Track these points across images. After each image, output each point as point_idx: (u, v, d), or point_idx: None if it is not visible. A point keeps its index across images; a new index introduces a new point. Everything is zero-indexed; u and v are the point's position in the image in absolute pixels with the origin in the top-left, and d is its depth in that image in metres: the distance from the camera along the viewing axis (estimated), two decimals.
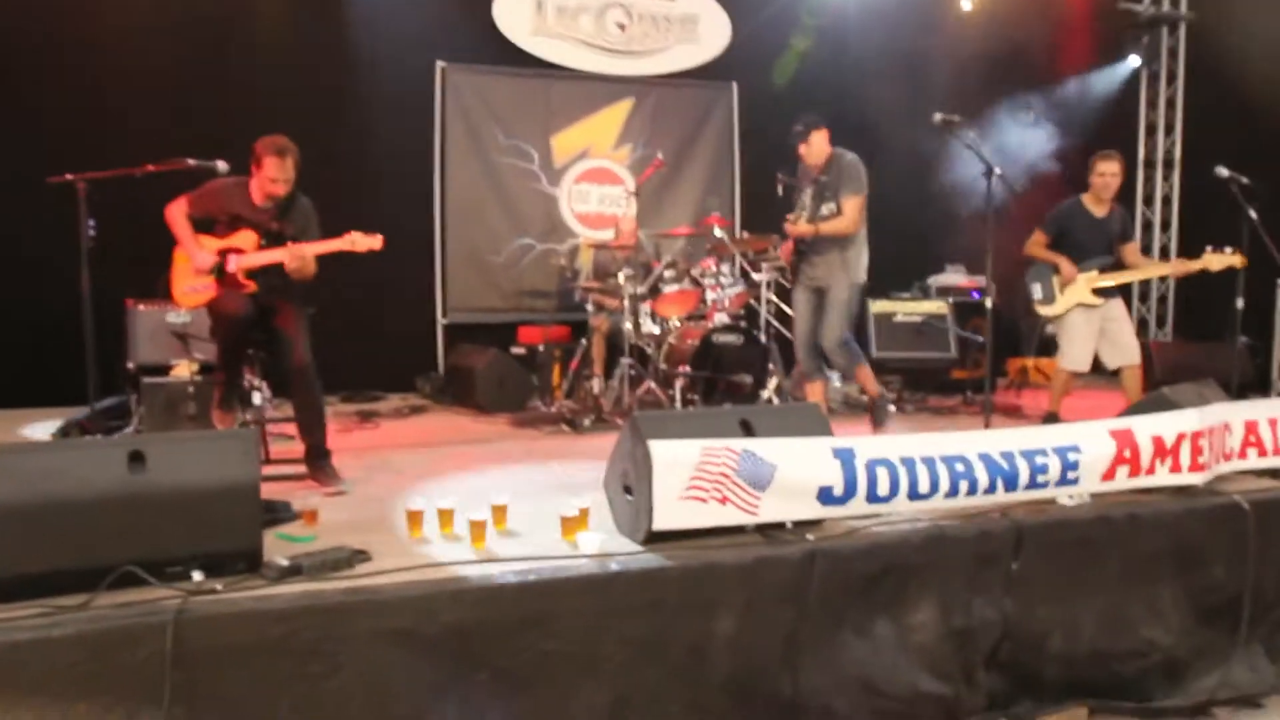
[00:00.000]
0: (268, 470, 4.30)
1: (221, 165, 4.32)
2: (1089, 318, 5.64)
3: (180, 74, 6.64)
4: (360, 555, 2.91)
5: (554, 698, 2.72)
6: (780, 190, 6.75)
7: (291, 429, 4.48)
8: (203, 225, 4.35)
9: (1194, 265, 5.33)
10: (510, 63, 7.71)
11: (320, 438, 4.26)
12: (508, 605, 2.68)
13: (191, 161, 4.30)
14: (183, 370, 5.24)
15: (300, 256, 4.20)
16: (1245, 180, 4.97)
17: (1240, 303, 5.08)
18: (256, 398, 4.59)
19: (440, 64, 7.53)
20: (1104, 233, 5.66)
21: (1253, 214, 4.91)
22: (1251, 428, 3.86)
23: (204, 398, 4.53)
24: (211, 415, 4.45)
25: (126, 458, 2.63)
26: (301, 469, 4.27)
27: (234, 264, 4.28)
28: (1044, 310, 5.77)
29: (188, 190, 4.38)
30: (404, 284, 7.39)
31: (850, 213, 5.33)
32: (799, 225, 5.45)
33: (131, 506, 2.58)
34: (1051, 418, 5.60)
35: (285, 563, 2.72)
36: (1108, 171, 5.63)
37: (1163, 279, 9.39)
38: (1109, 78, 9.36)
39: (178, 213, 4.33)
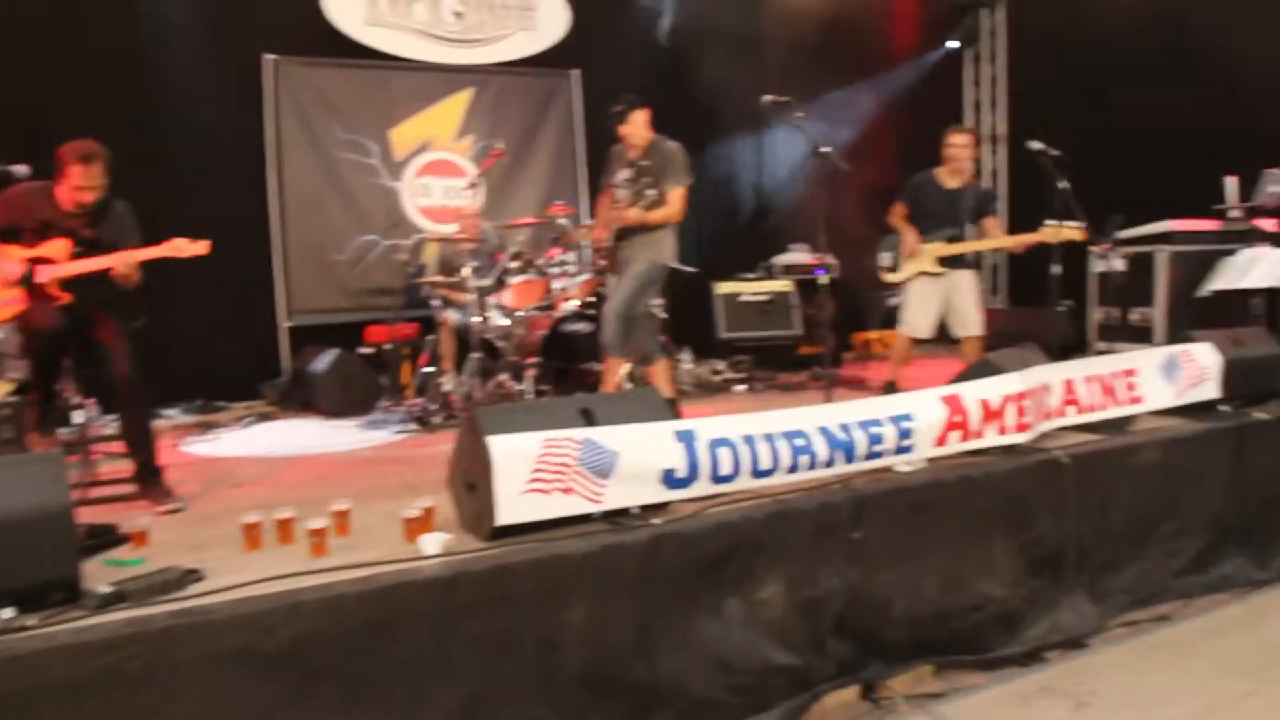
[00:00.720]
0: (96, 492, 4.11)
1: (20, 169, 4.03)
2: (931, 286, 5.84)
3: None
4: (192, 575, 2.80)
5: (405, 703, 2.66)
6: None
7: (120, 448, 4.25)
8: (9, 234, 4.05)
9: (1033, 238, 5.55)
10: (344, 54, 7.47)
11: (149, 454, 4.05)
12: (349, 614, 2.61)
13: None
14: None
15: (121, 264, 3.98)
16: (1056, 153, 5.24)
17: (1057, 270, 5.37)
18: (79, 415, 4.32)
19: (269, 57, 7.24)
20: (955, 205, 5.81)
21: (1063, 185, 5.18)
22: (1069, 387, 4.09)
23: (19, 420, 4.23)
24: (27, 438, 4.17)
25: None
26: (133, 489, 4.06)
27: (45, 275, 4.01)
28: (888, 277, 5.98)
29: None
30: (243, 287, 7.10)
31: (676, 202, 5.25)
32: (629, 213, 5.22)
33: None
34: (890, 387, 5.80)
35: (107, 589, 2.59)
36: (955, 143, 5.83)
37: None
38: (933, 58, 9.74)
39: None
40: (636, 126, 5.30)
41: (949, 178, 5.88)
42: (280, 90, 7.29)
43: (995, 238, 5.88)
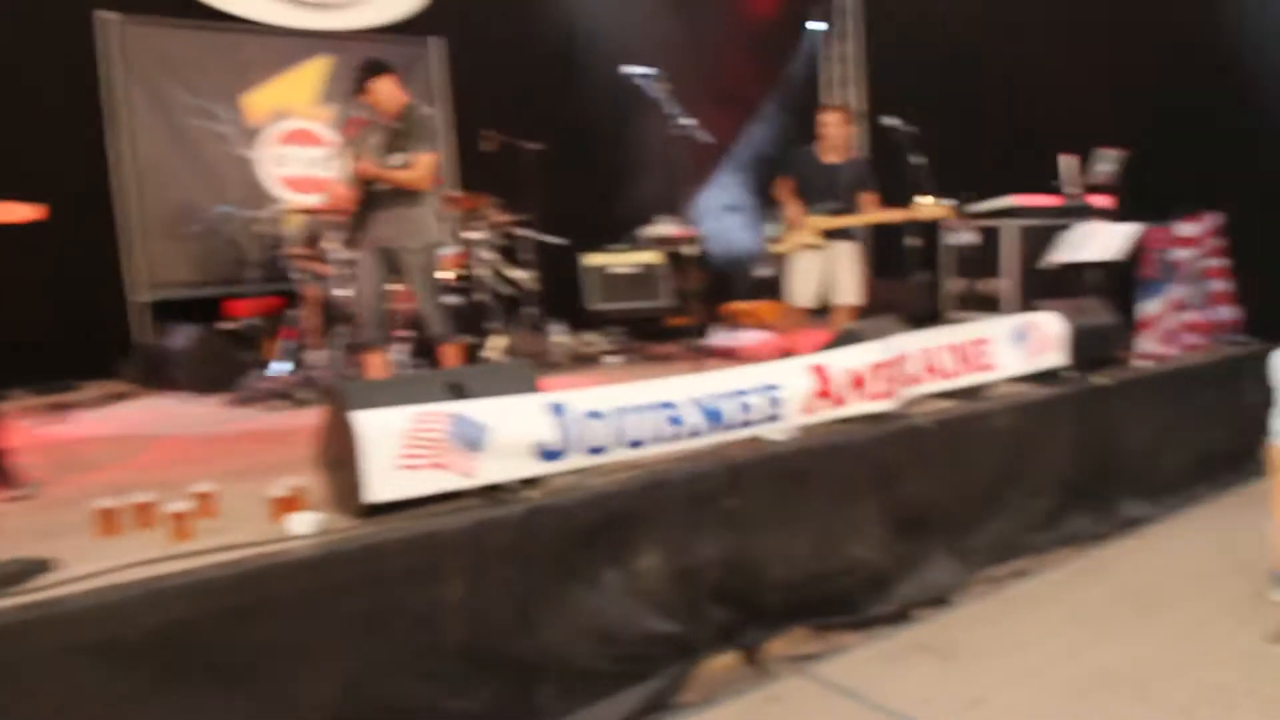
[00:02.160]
0: None
1: None
2: (813, 259, 5.94)
3: None
4: (43, 565, 2.65)
5: (278, 689, 2.59)
6: (486, 146, 6.71)
7: None
8: None
9: (906, 214, 5.70)
10: (191, 15, 7.10)
11: None
12: (215, 599, 2.51)
13: None
14: None
15: None
16: (911, 129, 5.42)
17: (915, 242, 5.58)
18: None
19: (105, 14, 6.81)
20: (834, 179, 5.89)
21: (917, 160, 5.37)
22: (928, 354, 4.26)
23: None
24: None
25: None
26: None
27: None
28: (773, 249, 6.09)
29: None
30: (94, 262, 6.72)
31: (424, 168, 5.03)
32: (366, 165, 4.98)
33: None
34: (787, 354, 5.90)
35: None
36: (826, 121, 5.93)
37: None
38: (794, 37, 9.92)
39: None
40: (383, 94, 5.06)
41: (826, 153, 5.99)
42: (115, 51, 6.85)
43: (872, 212, 6.03)
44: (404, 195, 5.02)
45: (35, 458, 4.25)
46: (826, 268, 5.97)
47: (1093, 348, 4.83)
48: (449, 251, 6.15)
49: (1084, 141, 6.85)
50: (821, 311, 6.03)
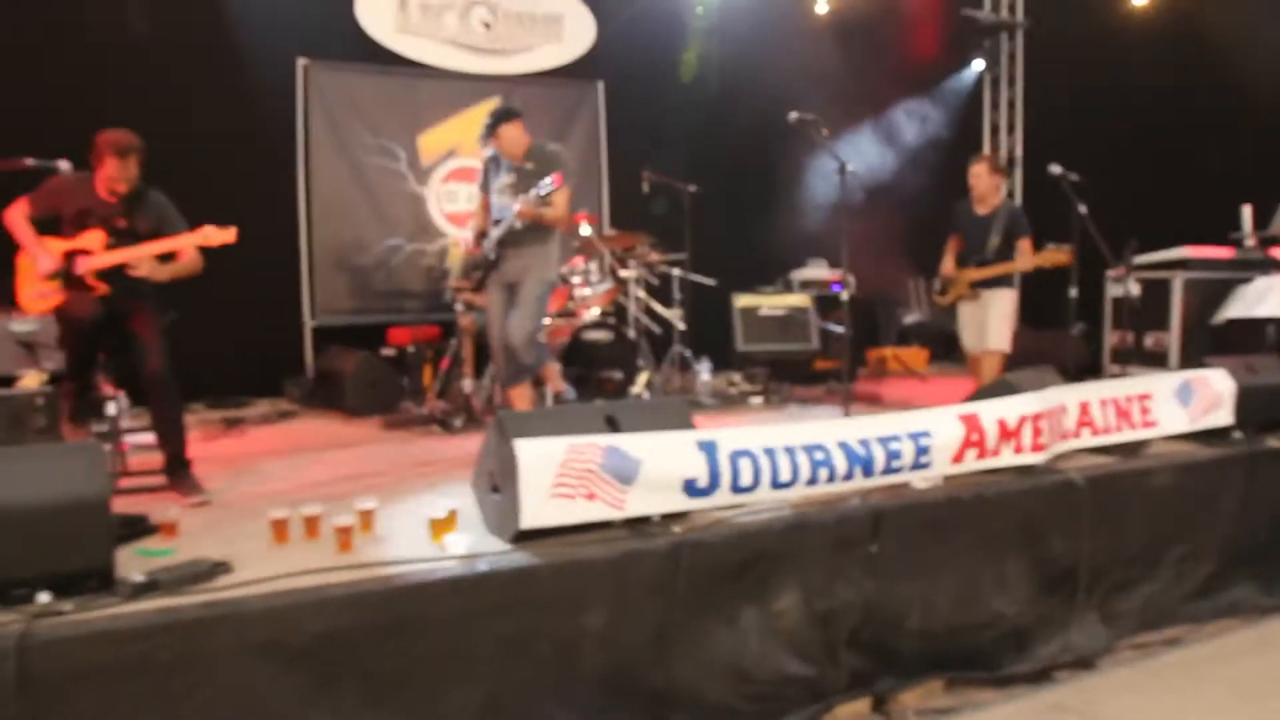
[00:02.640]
0: (126, 483, 4.18)
1: (63, 164, 4.13)
2: (972, 309, 6.04)
3: (27, 68, 6.31)
4: (221, 567, 2.85)
5: (426, 701, 2.71)
6: (645, 188, 6.87)
7: (151, 439, 4.32)
8: (48, 226, 4.14)
9: (1027, 263, 5.74)
10: (375, 60, 7.58)
11: (179, 447, 4.12)
12: (374, 610, 2.66)
13: (30, 160, 4.10)
14: (30, 381, 4.98)
15: (150, 257, 4.06)
16: (1075, 177, 5.30)
17: (1074, 293, 5.43)
18: (111, 407, 4.40)
19: (302, 61, 7.35)
20: (988, 230, 5.95)
21: (1082, 209, 5.24)
22: (1084, 409, 4.12)
23: (54, 410, 4.31)
24: (62, 428, 4.25)
25: None
26: (162, 480, 4.14)
27: (82, 266, 4.09)
28: (938, 300, 6.22)
29: (26, 191, 4.16)
30: (270, 287, 7.20)
31: (563, 205, 5.10)
32: (523, 205, 4.94)
33: None
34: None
35: (140, 579, 2.64)
36: (972, 173, 6.02)
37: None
38: (956, 81, 9.82)
39: (18, 215, 4.11)
40: (507, 139, 5.18)
41: (977, 205, 6.05)
42: (311, 94, 7.40)
43: (1026, 258, 5.97)
44: (537, 232, 5.12)
45: (212, 468, 4.58)
46: (981, 316, 5.94)
47: (1266, 408, 4.57)
48: (604, 286, 6.32)
49: (1267, 192, 6.51)
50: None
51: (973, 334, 6.08)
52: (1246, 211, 6.50)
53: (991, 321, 5.95)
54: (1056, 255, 5.56)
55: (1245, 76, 7.16)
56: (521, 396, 5.25)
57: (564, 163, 5.20)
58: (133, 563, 2.88)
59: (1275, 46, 7.03)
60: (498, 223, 5.15)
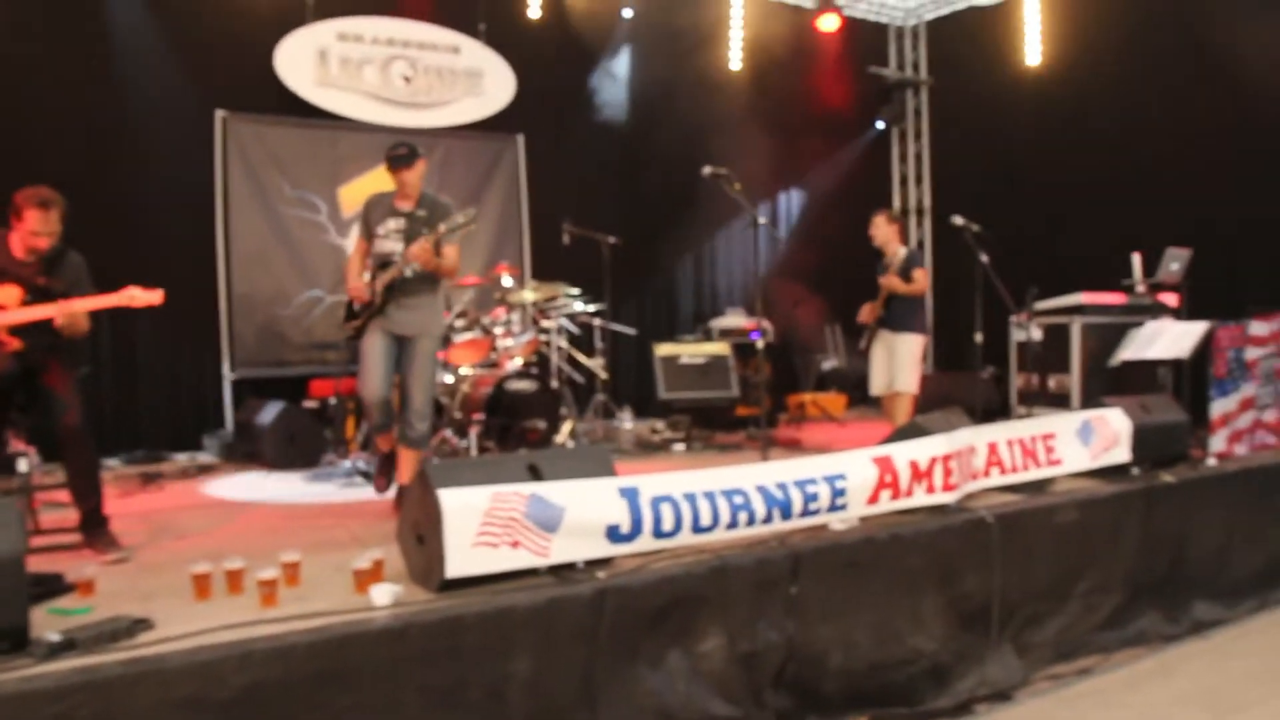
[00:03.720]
0: (38, 541, 4.08)
1: None
2: (877, 349, 6.32)
3: None
4: (142, 624, 2.82)
5: None
6: (566, 238, 6.99)
7: (64, 496, 4.23)
8: None
9: (892, 284, 6.10)
10: (294, 113, 7.59)
11: (96, 503, 4.05)
12: (300, 663, 2.65)
13: None
14: None
15: (69, 313, 4.01)
16: (977, 228, 5.57)
17: (979, 337, 5.68)
18: (23, 464, 4.30)
19: (221, 113, 7.33)
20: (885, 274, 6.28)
21: (984, 258, 5.50)
22: (993, 449, 4.29)
23: None
24: None
25: None
26: (77, 538, 4.05)
27: None
28: (862, 348, 6.50)
29: None
30: (188, 338, 7.13)
31: (454, 258, 4.91)
32: (419, 249, 4.69)
33: None
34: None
35: (56, 638, 2.60)
36: (872, 224, 6.40)
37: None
38: (864, 135, 10.23)
39: None
40: (409, 180, 4.90)
41: (886, 258, 6.38)
42: (230, 145, 7.36)
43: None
44: (427, 283, 4.90)
45: (130, 524, 4.49)
46: (890, 359, 6.19)
47: (1160, 445, 4.81)
48: (526, 337, 6.38)
49: (1155, 240, 6.91)
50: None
51: (880, 376, 6.33)
52: (1136, 259, 6.88)
53: (900, 365, 6.22)
54: (891, 282, 6.01)
55: (1130, 131, 7.62)
56: (411, 458, 4.91)
57: (453, 215, 4.96)
58: (48, 622, 2.83)
59: (1155, 103, 7.50)
60: (384, 266, 4.87)
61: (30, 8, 6.56)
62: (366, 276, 4.95)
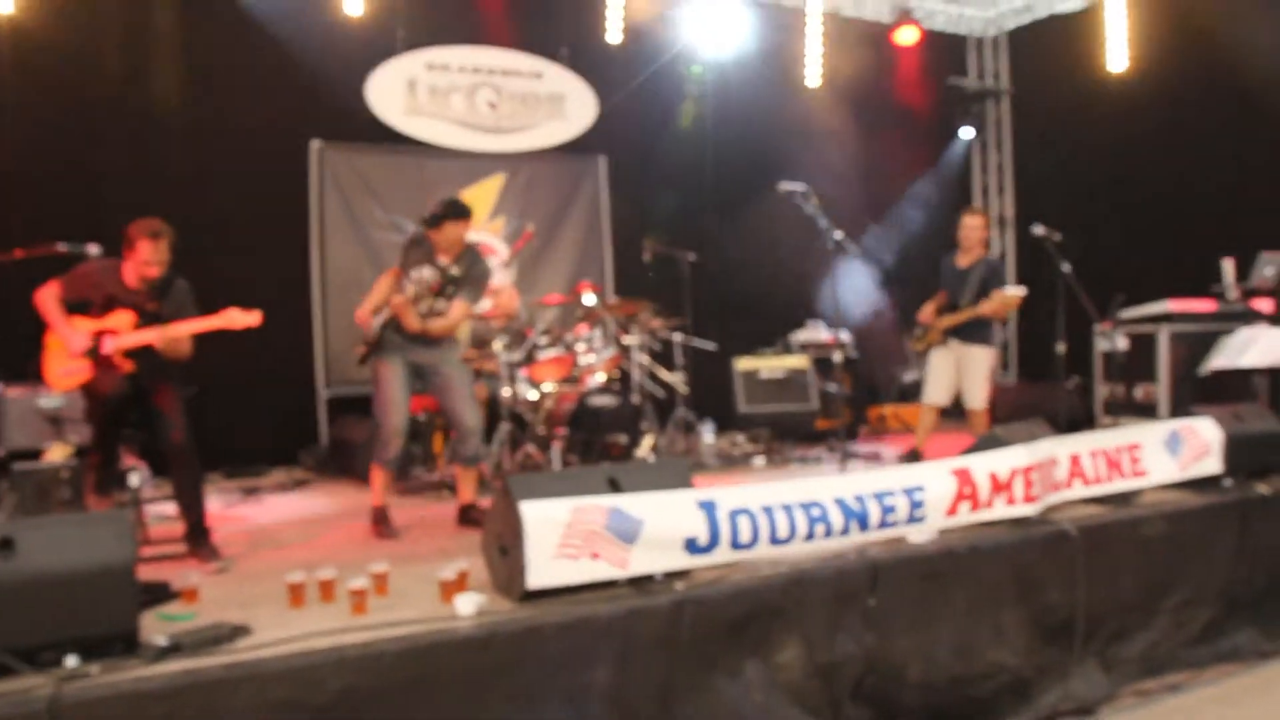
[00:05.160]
0: (147, 551, 4.32)
1: (92, 249, 4.35)
2: (944, 357, 6.22)
3: (50, 156, 6.59)
4: (241, 630, 2.97)
5: None
6: (647, 256, 7.08)
7: (171, 508, 4.47)
8: (77, 308, 4.36)
9: (984, 308, 5.96)
10: (385, 141, 7.85)
11: (199, 516, 4.28)
12: (389, 669, 2.77)
13: (62, 246, 4.32)
14: (56, 454, 5.16)
15: (171, 337, 4.25)
16: (1058, 237, 5.50)
17: (1061, 347, 5.60)
18: (134, 478, 4.56)
19: (316, 143, 7.63)
20: (966, 281, 6.17)
21: (1066, 267, 5.43)
22: (1075, 460, 4.23)
23: (78, 482, 4.48)
24: (86, 499, 4.41)
25: None
26: (182, 548, 4.28)
27: (109, 345, 4.29)
28: (913, 346, 6.43)
29: (58, 275, 4.38)
30: (284, 359, 7.38)
31: (461, 317, 5.00)
32: (401, 308, 4.79)
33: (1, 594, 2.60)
34: (913, 455, 6.01)
35: (163, 642, 2.76)
36: (967, 224, 6.27)
37: (1004, 324, 10.16)
38: (947, 147, 10.13)
39: (49, 297, 4.32)
40: (448, 236, 4.92)
41: (961, 257, 6.26)
42: (325, 174, 7.66)
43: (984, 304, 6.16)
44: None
45: (231, 535, 4.72)
46: (957, 368, 6.16)
47: (1255, 455, 4.68)
48: (608, 353, 6.49)
49: (1247, 245, 6.71)
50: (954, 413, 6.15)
51: (944, 387, 6.23)
52: (1228, 265, 6.69)
53: (974, 379, 6.14)
54: (1006, 300, 5.86)
55: (1218, 134, 7.41)
56: (470, 477, 5.11)
57: (486, 280, 5.07)
58: (156, 627, 3.00)
59: (1244, 106, 7.28)
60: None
61: (135, 45, 6.91)
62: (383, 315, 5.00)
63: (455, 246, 4.96)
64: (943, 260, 6.40)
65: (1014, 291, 5.91)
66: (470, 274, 4.95)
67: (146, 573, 3.67)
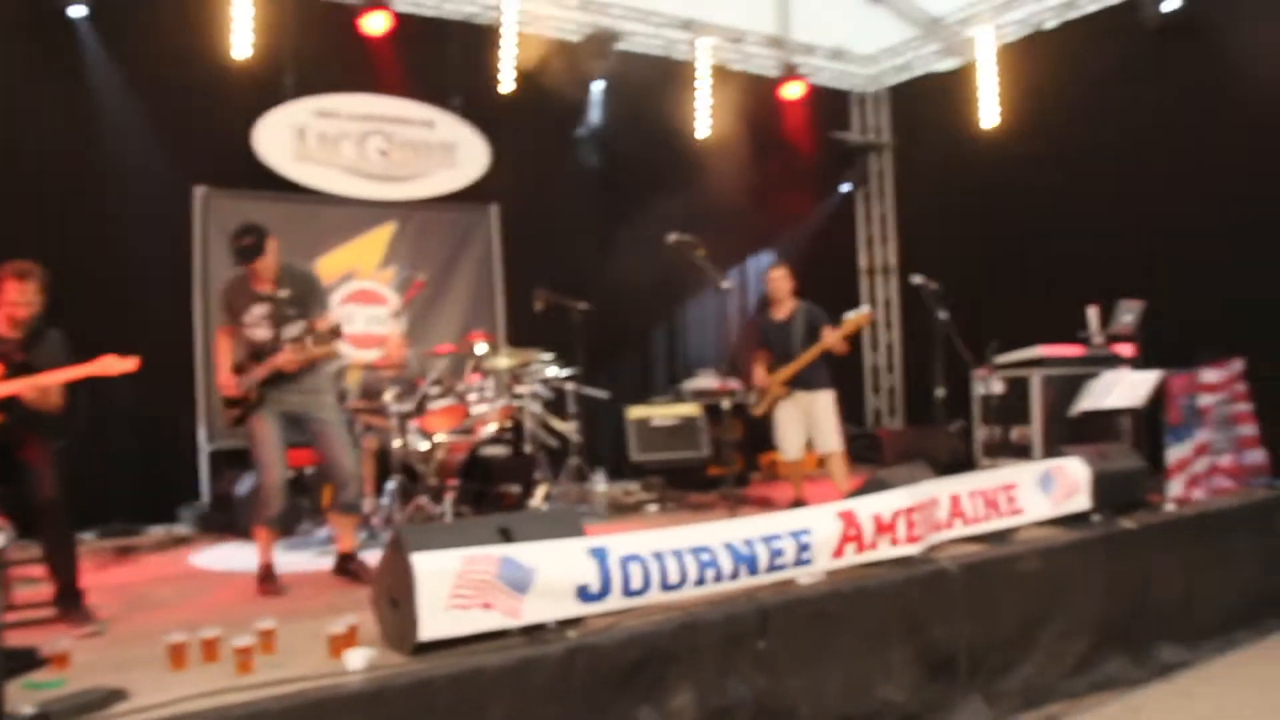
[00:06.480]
0: (11, 616, 4.08)
1: None
2: (789, 410, 6.38)
3: None
4: (117, 694, 2.86)
5: None
6: (538, 305, 7.12)
7: (37, 571, 4.26)
8: None
9: (831, 339, 6.17)
10: (273, 188, 7.73)
11: (71, 577, 4.09)
12: None
13: None
14: None
15: (40, 386, 4.09)
16: (935, 285, 5.76)
17: (940, 392, 5.83)
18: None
19: (200, 189, 7.46)
20: (790, 331, 6.42)
21: (943, 315, 5.68)
22: (955, 500, 4.39)
23: None
24: None
25: None
26: (51, 612, 4.09)
27: None
28: (754, 411, 6.50)
29: None
30: (163, 411, 7.14)
31: (330, 349, 4.84)
32: (287, 356, 4.65)
33: None
34: (798, 504, 6.13)
35: (30, 711, 2.65)
36: (772, 278, 6.57)
37: (890, 371, 10.51)
38: (830, 199, 10.50)
39: None
40: (270, 259, 4.79)
41: (776, 310, 6.56)
42: (210, 220, 7.48)
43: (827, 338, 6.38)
44: (308, 369, 4.83)
45: (105, 597, 4.51)
46: (805, 418, 6.36)
47: (1119, 492, 4.94)
48: (500, 403, 6.47)
49: (1108, 293, 7.13)
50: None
51: (793, 437, 6.40)
52: (1093, 311, 7.09)
53: (822, 424, 6.34)
54: (858, 319, 6.10)
55: (1081, 186, 7.89)
56: (349, 525, 5.03)
57: (319, 285, 4.95)
58: (22, 696, 2.86)
59: (1102, 159, 7.78)
60: (257, 356, 4.80)
61: (12, 85, 6.70)
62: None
63: (271, 271, 4.82)
64: (756, 319, 6.66)
65: (858, 313, 6.15)
66: (298, 290, 4.82)
67: (12, 639, 3.50)
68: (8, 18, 6.76)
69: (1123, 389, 5.75)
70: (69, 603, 4.06)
